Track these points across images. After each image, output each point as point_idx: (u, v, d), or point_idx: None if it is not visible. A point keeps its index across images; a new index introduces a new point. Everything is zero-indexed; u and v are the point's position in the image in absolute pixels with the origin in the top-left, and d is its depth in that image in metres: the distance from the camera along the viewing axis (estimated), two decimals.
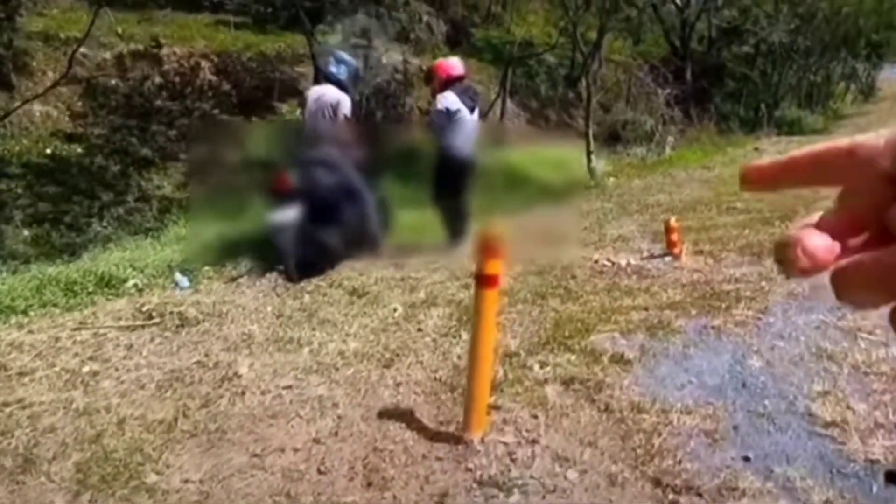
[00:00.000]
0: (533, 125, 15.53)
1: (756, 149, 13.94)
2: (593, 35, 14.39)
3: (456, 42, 16.90)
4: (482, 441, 2.70)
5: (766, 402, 3.03)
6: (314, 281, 4.88)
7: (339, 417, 2.98)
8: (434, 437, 2.79)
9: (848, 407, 2.97)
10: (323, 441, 2.80)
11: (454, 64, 5.82)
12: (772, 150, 12.59)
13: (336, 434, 2.84)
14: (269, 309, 4.38)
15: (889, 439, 2.73)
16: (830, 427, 2.80)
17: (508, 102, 14.44)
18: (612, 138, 15.33)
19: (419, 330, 4.00)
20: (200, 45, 13.06)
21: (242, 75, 12.76)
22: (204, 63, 12.49)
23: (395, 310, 4.32)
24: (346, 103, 5.25)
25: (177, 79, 11.90)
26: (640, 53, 18.97)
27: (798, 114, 20.56)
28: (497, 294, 2.63)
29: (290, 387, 3.30)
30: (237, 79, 12.62)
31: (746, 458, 2.60)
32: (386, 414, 2.99)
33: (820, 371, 3.33)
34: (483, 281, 2.56)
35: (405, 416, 2.96)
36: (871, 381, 3.22)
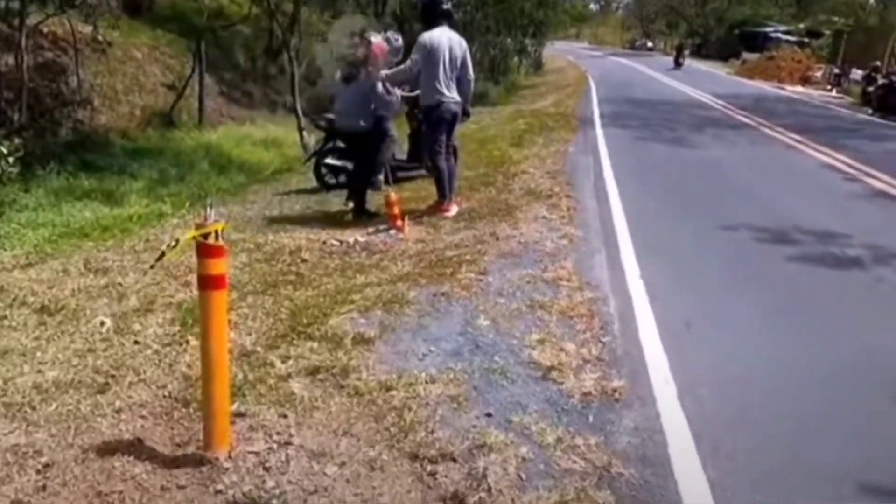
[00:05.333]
0: (233, 101, 14.70)
1: None
2: (290, 6, 14.06)
3: (135, 9, 15.14)
4: (230, 456, 2.46)
5: (497, 357, 3.29)
6: None
7: (46, 466, 2.46)
8: (172, 463, 2.46)
9: (561, 349, 3.37)
10: (27, 501, 2.28)
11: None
12: (469, 120, 13.76)
13: (44, 488, 2.34)
14: None
15: (595, 371, 3.16)
16: (551, 371, 3.14)
17: (206, 77, 13.43)
18: (323, 112, 15.29)
19: (136, 343, 3.50)
20: None
21: None
22: None
23: (101, 324, 3.72)
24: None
25: None
26: None
27: (484, 86, 22.79)
28: (225, 295, 2.38)
29: None
30: None
31: (489, 415, 2.78)
32: (107, 449, 2.55)
33: (536, 321, 3.73)
34: (207, 282, 2.29)
35: (133, 447, 2.56)
36: (576, 323, 3.71)
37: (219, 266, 2.32)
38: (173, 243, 2.32)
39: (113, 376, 3.15)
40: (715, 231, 5.82)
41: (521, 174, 7.87)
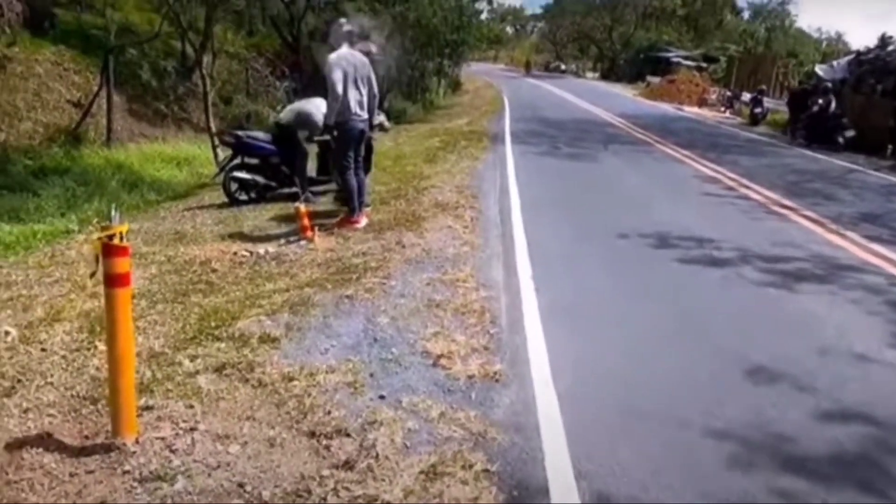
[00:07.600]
0: (143, 119, 14.46)
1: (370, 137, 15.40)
2: (202, 25, 14.04)
3: (38, 26, 14.71)
4: (137, 442, 2.65)
5: (394, 349, 3.60)
6: None
7: None
8: (81, 452, 2.63)
9: (452, 341, 3.72)
10: None
11: None
12: (386, 137, 14.09)
13: None
14: None
15: (480, 358, 3.52)
16: (441, 358, 3.48)
17: (115, 94, 13.19)
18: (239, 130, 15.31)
19: (43, 350, 3.60)
20: None
21: None
22: None
23: (6, 333, 3.78)
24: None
25: None
26: (253, 45, 19.13)
27: (403, 105, 23.28)
28: (129, 292, 2.58)
29: None
30: None
31: (381, 397, 3.08)
32: (15, 444, 2.68)
33: (432, 317, 4.07)
34: (113, 280, 2.49)
35: (41, 441, 2.70)
36: (468, 318, 4.07)
37: (123, 265, 2.53)
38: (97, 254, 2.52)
39: (20, 381, 3.25)
40: (604, 235, 6.38)
41: (431, 188, 8.25)
